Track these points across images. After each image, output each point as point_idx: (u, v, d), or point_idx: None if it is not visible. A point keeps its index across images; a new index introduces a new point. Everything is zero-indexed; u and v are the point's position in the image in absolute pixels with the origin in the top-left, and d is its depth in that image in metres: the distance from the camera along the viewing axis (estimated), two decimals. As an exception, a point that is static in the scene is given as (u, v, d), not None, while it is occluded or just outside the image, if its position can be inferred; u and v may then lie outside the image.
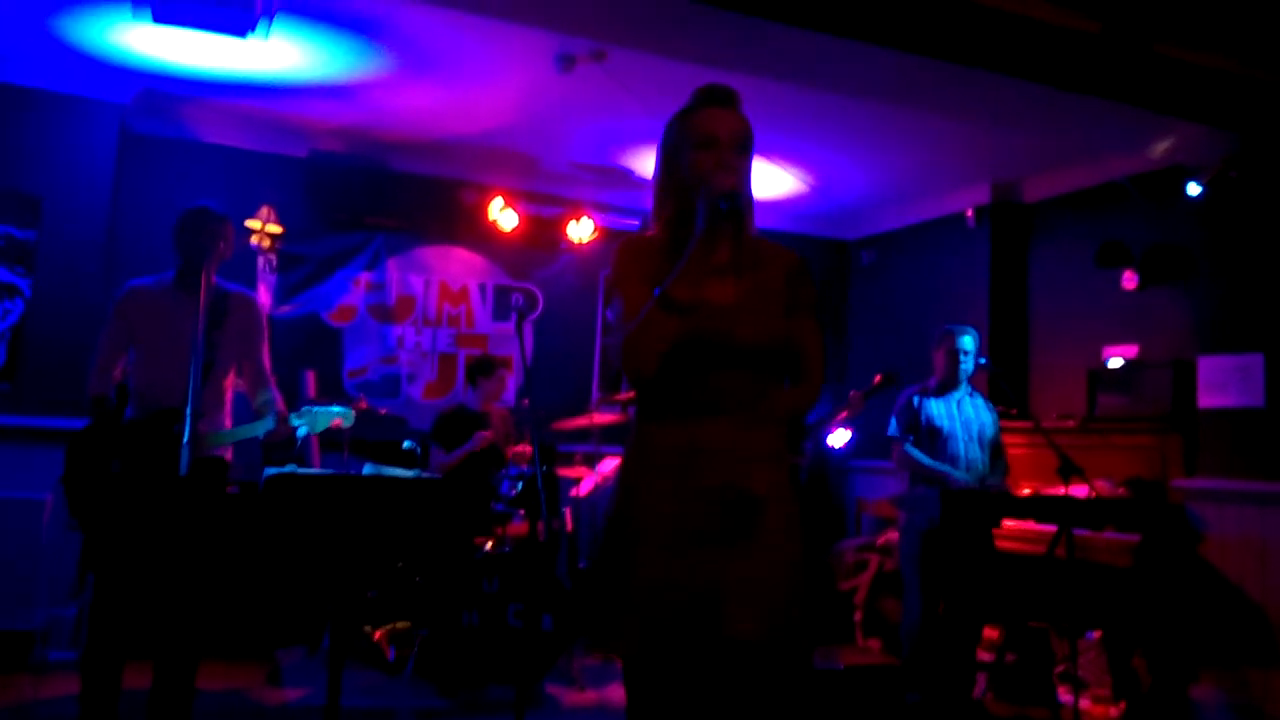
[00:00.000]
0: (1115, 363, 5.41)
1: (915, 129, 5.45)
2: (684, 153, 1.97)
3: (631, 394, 6.35)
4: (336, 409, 3.46)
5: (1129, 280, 5.48)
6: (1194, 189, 4.87)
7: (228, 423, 3.46)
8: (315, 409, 3.45)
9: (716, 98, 2.02)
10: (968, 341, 4.63)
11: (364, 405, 4.63)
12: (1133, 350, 5.43)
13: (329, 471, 3.41)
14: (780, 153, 5.98)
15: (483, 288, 6.65)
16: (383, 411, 5.37)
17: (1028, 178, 6.24)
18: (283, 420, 3.37)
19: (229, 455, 3.48)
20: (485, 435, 5.16)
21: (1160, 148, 4.95)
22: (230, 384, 3.50)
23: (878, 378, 4.69)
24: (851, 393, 4.91)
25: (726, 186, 1.87)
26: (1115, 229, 5.58)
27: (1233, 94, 4.49)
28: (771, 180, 6.52)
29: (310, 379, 5.10)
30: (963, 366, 4.61)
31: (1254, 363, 4.47)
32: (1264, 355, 4.46)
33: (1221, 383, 4.63)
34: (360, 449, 5.25)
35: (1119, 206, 5.64)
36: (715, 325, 1.89)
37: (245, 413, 3.51)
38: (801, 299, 2.03)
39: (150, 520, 3.12)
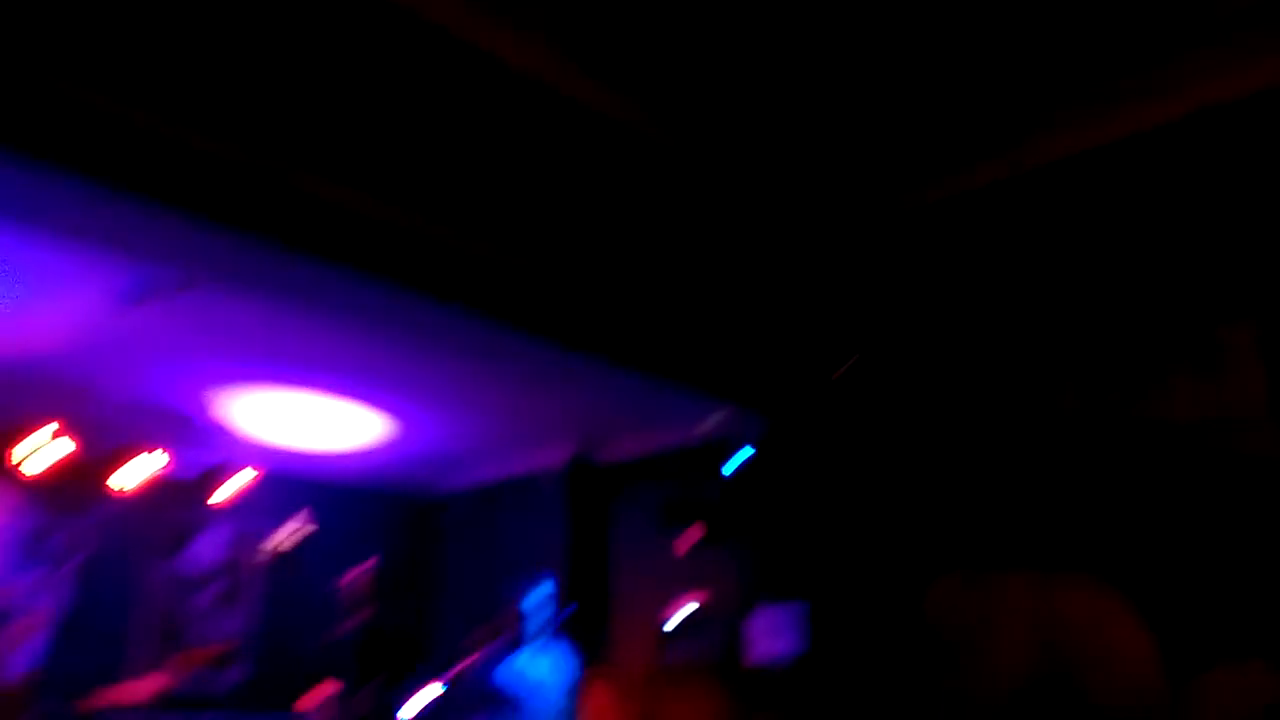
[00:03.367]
0: (683, 615, 5.81)
1: (499, 390, 5.73)
2: None
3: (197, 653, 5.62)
4: None
5: (694, 537, 6.01)
6: (733, 462, 5.53)
7: None
8: None
9: None
10: (535, 596, 4.75)
11: None
12: (700, 601, 5.87)
13: None
14: (368, 401, 5.95)
15: (7, 530, 5.63)
16: None
17: (603, 441, 6.75)
18: None
19: None
20: None
21: (711, 422, 5.64)
22: None
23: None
24: (468, 640, 4.77)
25: None
26: (683, 490, 6.16)
27: (763, 380, 5.29)
28: (357, 430, 6.42)
29: None
30: (530, 623, 4.69)
31: (797, 615, 5.02)
32: (803, 606, 5.03)
33: (771, 633, 5.13)
34: None
35: (687, 470, 6.26)
36: None
37: None
38: None
39: None
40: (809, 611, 5.02)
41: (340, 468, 7.14)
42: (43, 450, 5.48)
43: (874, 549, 4.80)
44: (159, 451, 5.97)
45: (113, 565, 6.00)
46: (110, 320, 4.67)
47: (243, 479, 6.35)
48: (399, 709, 4.89)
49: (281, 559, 6.71)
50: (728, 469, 5.59)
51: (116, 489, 5.96)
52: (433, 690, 4.95)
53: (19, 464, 5.43)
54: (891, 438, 4.81)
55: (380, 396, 5.86)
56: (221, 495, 6.31)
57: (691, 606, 5.85)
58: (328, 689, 4.85)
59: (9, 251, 4.10)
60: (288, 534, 6.75)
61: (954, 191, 4.24)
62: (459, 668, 4.87)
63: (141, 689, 4.89)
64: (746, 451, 5.57)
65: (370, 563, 5.23)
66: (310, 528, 6.78)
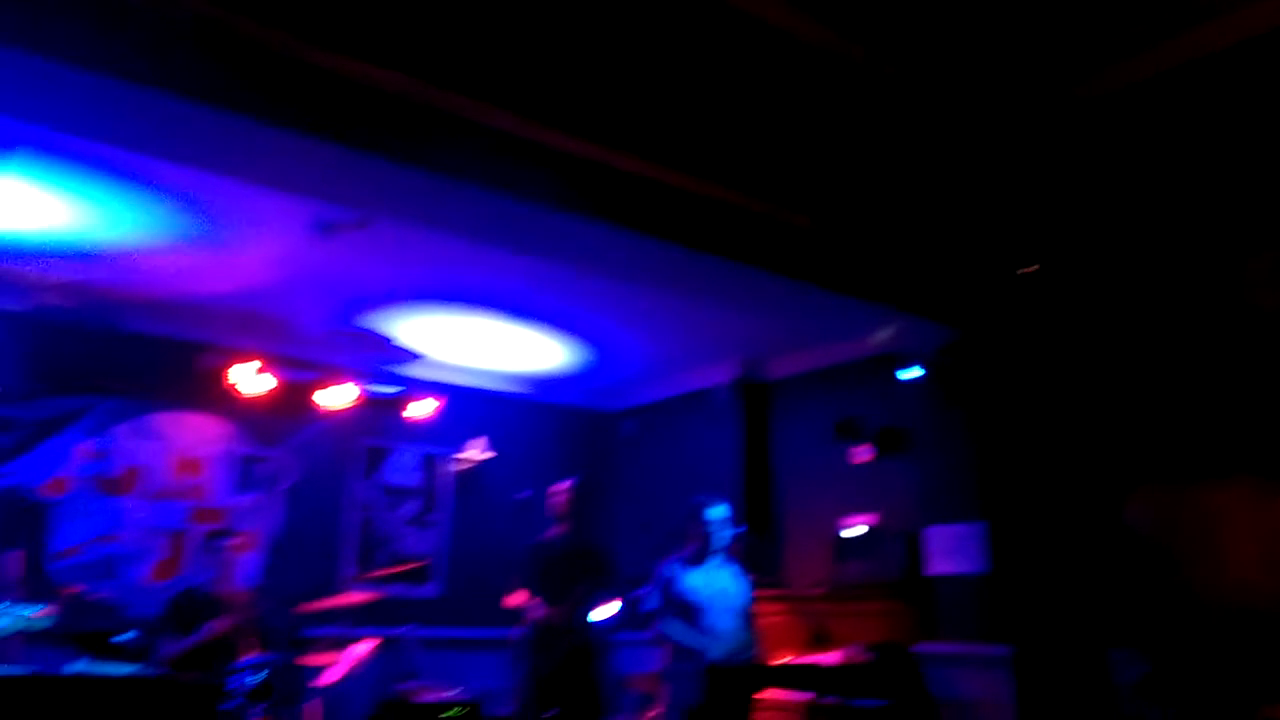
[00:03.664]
0: (853, 532, 5.76)
1: (670, 310, 5.76)
2: None
3: (392, 569, 6.11)
4: (23, 611, 3.03)
5: (864, 454, 5.92)
6: (907, 374, 5.35)
7: None
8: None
9: None
10: (717, 513, 4.78)
11: (73, 592, 4.10)
12: (871, 520, 5.80)
13: (29, 670, 2.97)
14: (550, 323, 6.12)
15: (226, 457, 6.20)
16: (98, 596, 4.79)
17: (772, 358, 6.70)
18: None
19: None
20: (216, 627, 4.70)
21: (883, 336, 5.47)
22: None
23: None
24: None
25: None
26: (851, 406, 6.06)
27: (945, 290, 5.07)
28: (536, 350, 6.63)
29: (15, 561, 4.48)
30: (713, 538, 4.74)
31: (976, 531, 4.88)
32: (985, 524, 4.88)
33: (947, 551, 5.01)
34: (69, 642, 4.61)
35: (853, 385, 6.15)
36: None
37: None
38: None
39: None
40: (992, 527, 4.87)
41: (524, 386, 7.43)
42: (250, 382, 5.95)
43: (1063, 460, 4.59)
44: (354, 377, 6.37)
45: (317, 487, 6.50)
46: (306, 254, 4.97)
47: (432, 400, 6.69)
48: (587, 617, 5.11)
49: (469, 477, 7.08)
50: (903, 381, 5.43)
51: (317, 415, 6.42)
52: (614, 604, 5.16)
53: (232, 392, 5.92)
54: (1082, 342, 4.54)
55: (561, 318, 6.02)
56: (413, 416, 6.69)
57: (865, 523, 5.80)
58: (523, 596, 5.11)
59: (210, 197, 4.41)
60: (474, 452, 7.10)
61: (1138, 78, 3.87)
62: (640, 581, 5.02)
63: (348, 600, 5.32)
64: (922, 364, 5.39)
65: (570, 480, 5.41)
66: (491, 452, 7.12)
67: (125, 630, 4.62)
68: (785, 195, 4.31)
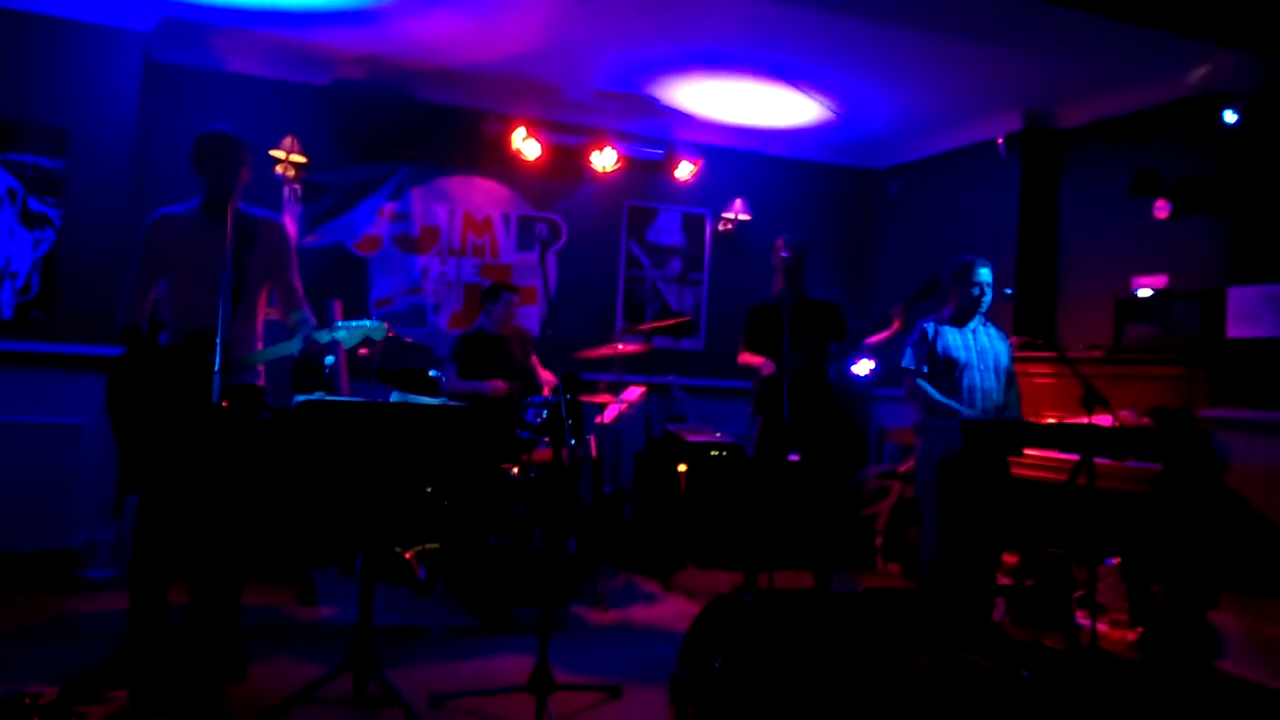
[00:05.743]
0: (1144, 293, 5.36)
1: (946, 56, 5.35)
2: None
3: (658, 323, 6.45)
4: (369, 323, 3.48)
5: (1161, 209, 5.39)
6: (1230, 117, 4.75)
7: (259, 345, 3.52)
8: (350, 322, 3.48)
9: None
10: (985, 274, 4.60)
11: (390, 334, 4.67)
12: (1162, 280, 5.36)
13: (357, 399, 3.47)
14: (808, 80, 5.89)
15: (506, 218, 6.65)
16: (409, 340, 5.44)
17: (1061, 105, 6.10)
18: (317, 332, 3.40)
19: (261, 381, 3.53)
20: (499, 387, 5.22)
21: (1197, 75, 4.83)
22: (262, 307, 3.54)
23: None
24: (893, 308, 4.90)
25: None
26: (1149, 157, 5.47)
27: (1271, 18, 4.36)
28: (799, 108, 6.43)
29: (337, 308, 5.16)
30: (978, 299, 4.58)
31: (1284, 292, 4.42)
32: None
33: (1251, 313, 4.58)
34: (386, 377, 5.32)
35: (1153, 134, 5.52)
36: None
37: (278, 337, 3.56)
38: None
39: (188, 443, 3.19)
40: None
41: (785, 143, 7.29)
42: (526, 147, 6.24)
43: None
44: (619, 141, 6.51)
45: (588, 246, 6.86)
46: (569, 18, 5.02)
47: (692, 164, 6.75)
48: (820, 369, 5.14)
49: (730, 237, 7.18)
50: (1213, 128, 4.84)
51: (586, 179, 6.67)
52: (867, 361, 5.20)
53: (510, 157, 6.25)
54: None
55: (823, 72, 5.77)
56: (676, 178, 6.81)
57: (1154, 284, 5.37)
58: (748, 354, 5.25)
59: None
60: (734, 213, 7.16)
61: None
62: (899, 339, 4.99)
63: (619, 350, 5.70)
64: (1237, 107, 4.76)
65: (785, 237, 5.31)
66: (748, 215, 7.13)
67: (431, 369, 5.26)
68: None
